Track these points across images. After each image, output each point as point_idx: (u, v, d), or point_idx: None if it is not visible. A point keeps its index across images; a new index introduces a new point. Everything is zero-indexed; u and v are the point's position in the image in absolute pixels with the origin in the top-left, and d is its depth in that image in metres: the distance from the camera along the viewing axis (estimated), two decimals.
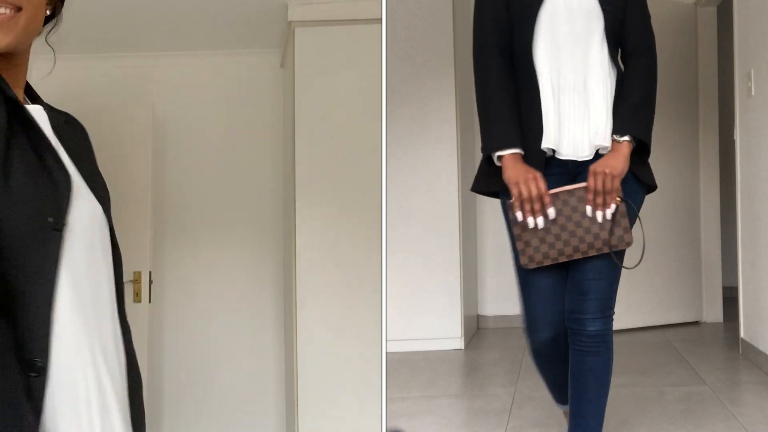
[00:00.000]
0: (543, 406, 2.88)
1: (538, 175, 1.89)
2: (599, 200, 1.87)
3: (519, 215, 1.88)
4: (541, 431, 2.64)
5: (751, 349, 3.58)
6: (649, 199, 4.55)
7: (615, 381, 3.29)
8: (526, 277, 2.00)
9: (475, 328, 4.47)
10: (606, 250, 1.89)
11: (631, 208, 1.92)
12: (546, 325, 2.00)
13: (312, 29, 3.40)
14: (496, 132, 1.96)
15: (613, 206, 1.87)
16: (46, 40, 1.24)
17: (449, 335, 4.01)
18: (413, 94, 3.98)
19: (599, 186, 1.87)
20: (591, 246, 1.88)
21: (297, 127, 3.38)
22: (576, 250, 1.88)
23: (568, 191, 1.91)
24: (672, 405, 2.92)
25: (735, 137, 3.82)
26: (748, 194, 3.67)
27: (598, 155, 1.96)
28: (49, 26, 1.22)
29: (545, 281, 1.98)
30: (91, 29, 3.70)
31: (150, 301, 3.95)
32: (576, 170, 1.97)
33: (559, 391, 2.23)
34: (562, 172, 1.98)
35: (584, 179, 1.92)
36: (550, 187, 1.91)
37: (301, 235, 3.34)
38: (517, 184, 1.88)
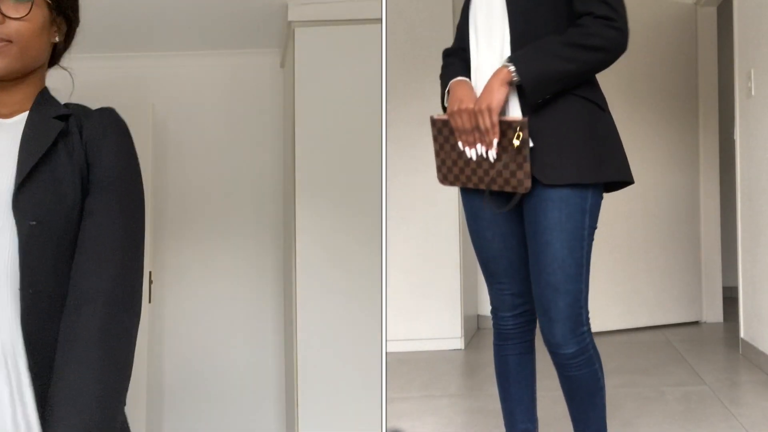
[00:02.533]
0: (543, 406, 2.88)
1: (471, 110, 1.72)
2: (484, 140, 1.72)
3: (460, 144, 1.79)
4: (542, 431, 2.64)
5: (751, 349, 3.58)
6: (650, 199, 4.51)
7: (615, 381, 3.30)
8: (481, 246, 1.92)
9: (475, 328, 4.47)
10: (508, 189, 1.75)
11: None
12: (507, 308, 1.94)
13: (312, 29, 3.40)
14: (447, 76, 1.92)
15: (495, 142, 1.70)
16: (59, 65, 1.39)
17: (449, 335, 4.01)
18: (413, 94, 3.97)
19: (466, 125, 1.74)
20: (493, 181, 1.77)
21: (297, 127, 3.38)
22: (481, 180, 1.80)
23: None
24: (672, 405, 2.92)
25: (735, 137, 3.82)
26: (748, 194, 3.67)
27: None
28: (64, 51, 1.37)
29: (500, 257, 1.90)
30: (90, 29, 3.69)
31: (150, 302, 3.95)
32: None
33: (510, 415, 2.08)
34: None
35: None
36: None
37: (301, 235, 3.34)
38: (452, 115, 1.76)
